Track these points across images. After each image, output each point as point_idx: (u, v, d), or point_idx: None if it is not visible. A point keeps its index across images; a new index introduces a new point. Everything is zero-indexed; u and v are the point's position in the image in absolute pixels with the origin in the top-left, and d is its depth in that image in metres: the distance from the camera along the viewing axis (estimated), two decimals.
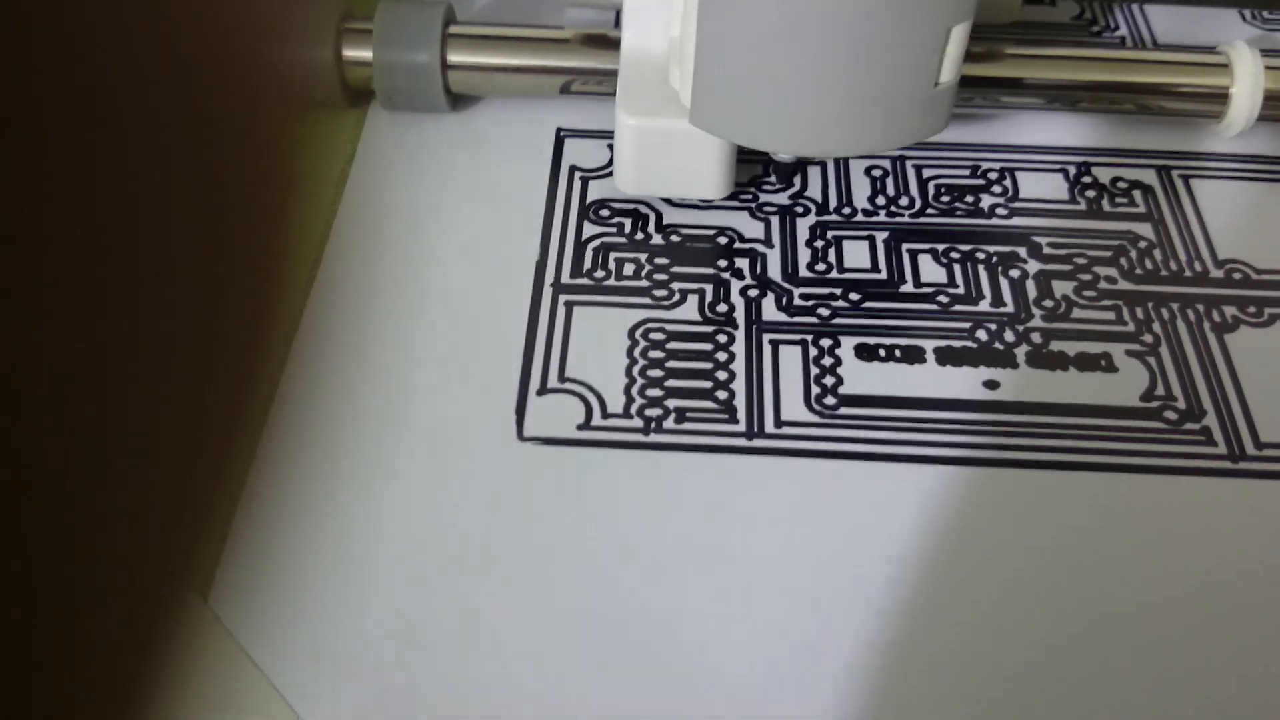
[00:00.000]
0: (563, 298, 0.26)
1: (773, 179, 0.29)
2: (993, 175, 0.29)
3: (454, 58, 0.29)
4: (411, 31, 0.29)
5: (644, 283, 0.26)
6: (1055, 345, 0.25)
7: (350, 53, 0.29)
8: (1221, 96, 0.29)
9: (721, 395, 0.24)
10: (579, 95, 0.30)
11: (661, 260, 0.27)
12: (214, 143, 0.24)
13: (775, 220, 0.28)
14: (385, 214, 0.28)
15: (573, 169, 0.29)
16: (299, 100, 0.28)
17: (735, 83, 0.23)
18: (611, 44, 0.29)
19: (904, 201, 0.28)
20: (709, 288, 0.26)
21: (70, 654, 0.19)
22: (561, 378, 0.24)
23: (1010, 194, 0.28)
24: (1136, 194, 0.28)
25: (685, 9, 0.23)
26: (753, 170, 0.29)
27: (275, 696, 0.20)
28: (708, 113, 0.24)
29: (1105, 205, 0.28)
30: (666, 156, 0.26)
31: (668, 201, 0.28)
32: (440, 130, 0.30)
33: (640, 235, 0.27)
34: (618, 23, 0.27)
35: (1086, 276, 0.26)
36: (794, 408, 0.24)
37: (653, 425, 0.23)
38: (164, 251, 0.21)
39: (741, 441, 0.23)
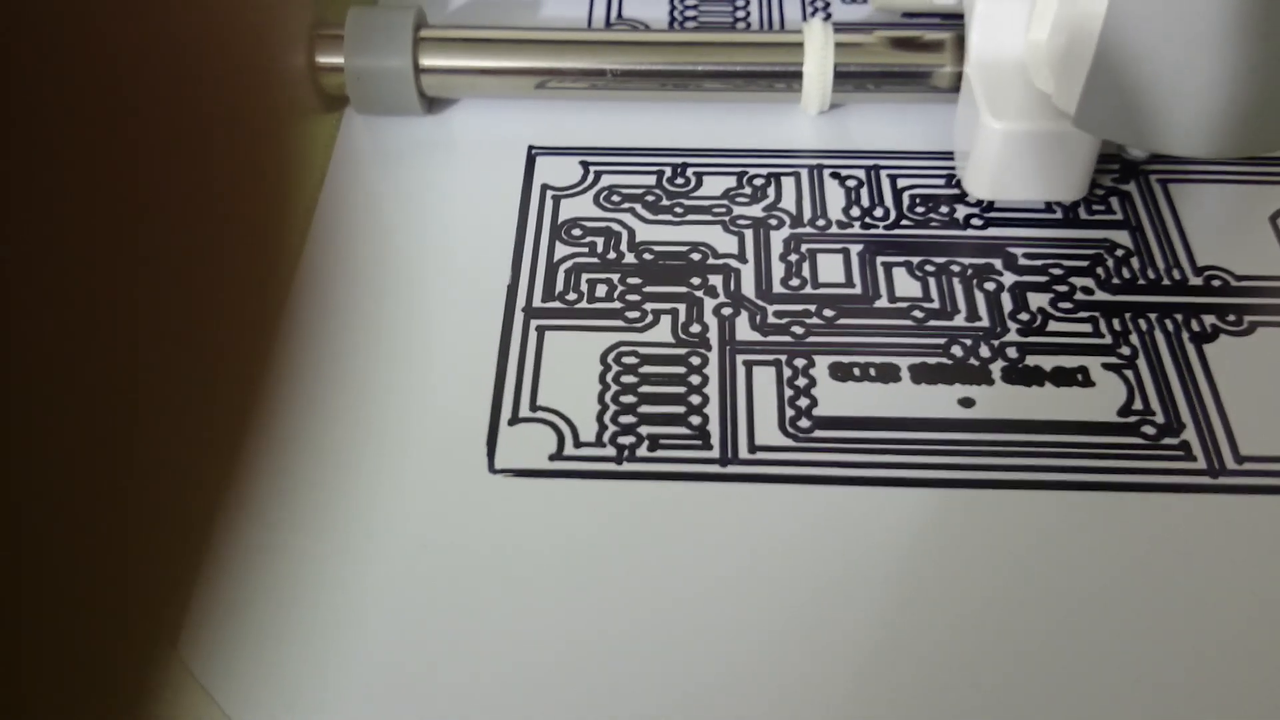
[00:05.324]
0: (534, 322, 0.25)
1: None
2: None
3: (426, 61, 0.29)
4: (382, 36, 0.29)
5: (616, 304, 0.26)
6: (1031, 360, 0.25)
7: (323, 59, 0.29)
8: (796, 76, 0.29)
9: (695, 420, 0.24)
10: (554, 100, 0.30)
11: (634, 280, 0.26)
12: (183, 153, 0.23)
13: (749, 234, 0.27)
14: (358, 230, 0.28)
15: (544, 187, 0.28)
16: (272, 108, 0.27)
17: (1138, 86, 0.22)
18: (582, 44, 0.29)
19: (879, 213, 0.28)
20: (682, 307, 0.26)
21: (35, 704, 0.19)
22: (533, 406, 0.24)
23: (986, 203, 0.28)
24: (1114, 200, 0.28)
25: (1060, 12, 0.23)
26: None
27: None
28: (1099, 115, 0.23)
29: (1082, 212, 0.28)
30: (1031, 159, 0.26)
31: (640, 219, 0.28)
32: (416, 133, 0.30)
33: (613, 254, 0.27)
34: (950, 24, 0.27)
35: (1063, 288, 0.26)
36: (768, 432, 0.23)
37: (625, 454, 0.23)
38: (118, 284, 0.21)
39: (715, 469, 0.23)
